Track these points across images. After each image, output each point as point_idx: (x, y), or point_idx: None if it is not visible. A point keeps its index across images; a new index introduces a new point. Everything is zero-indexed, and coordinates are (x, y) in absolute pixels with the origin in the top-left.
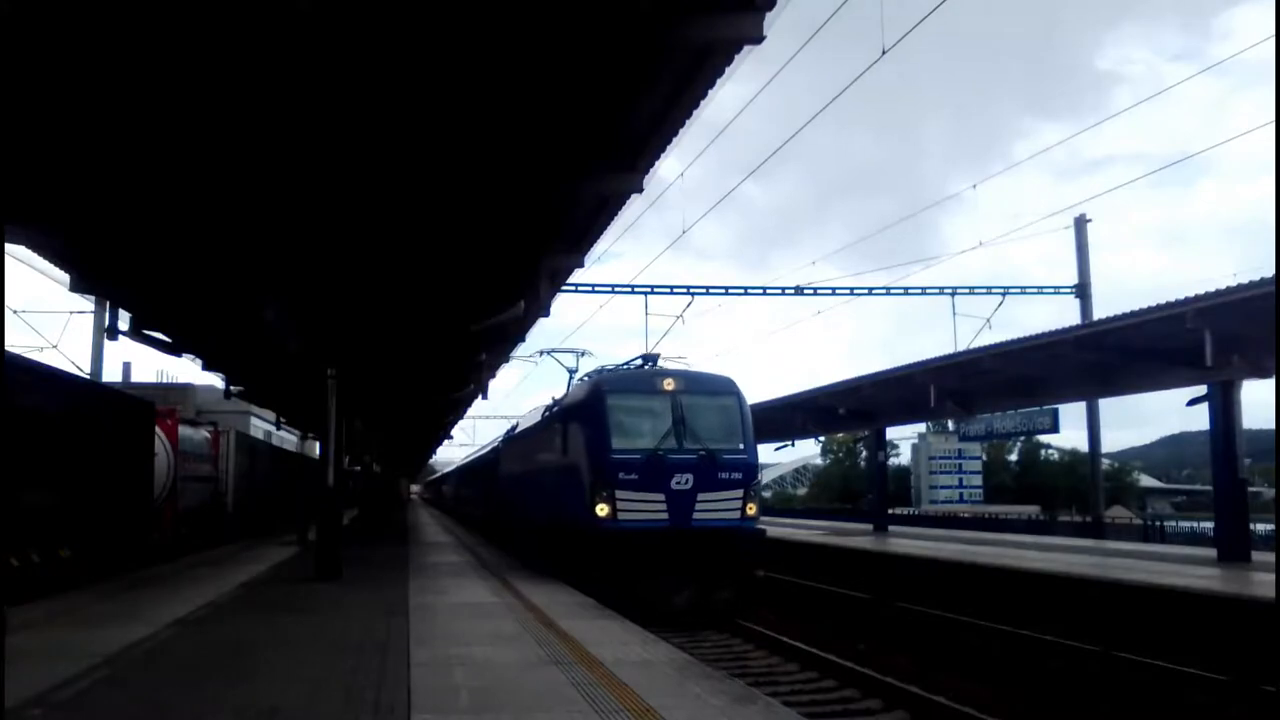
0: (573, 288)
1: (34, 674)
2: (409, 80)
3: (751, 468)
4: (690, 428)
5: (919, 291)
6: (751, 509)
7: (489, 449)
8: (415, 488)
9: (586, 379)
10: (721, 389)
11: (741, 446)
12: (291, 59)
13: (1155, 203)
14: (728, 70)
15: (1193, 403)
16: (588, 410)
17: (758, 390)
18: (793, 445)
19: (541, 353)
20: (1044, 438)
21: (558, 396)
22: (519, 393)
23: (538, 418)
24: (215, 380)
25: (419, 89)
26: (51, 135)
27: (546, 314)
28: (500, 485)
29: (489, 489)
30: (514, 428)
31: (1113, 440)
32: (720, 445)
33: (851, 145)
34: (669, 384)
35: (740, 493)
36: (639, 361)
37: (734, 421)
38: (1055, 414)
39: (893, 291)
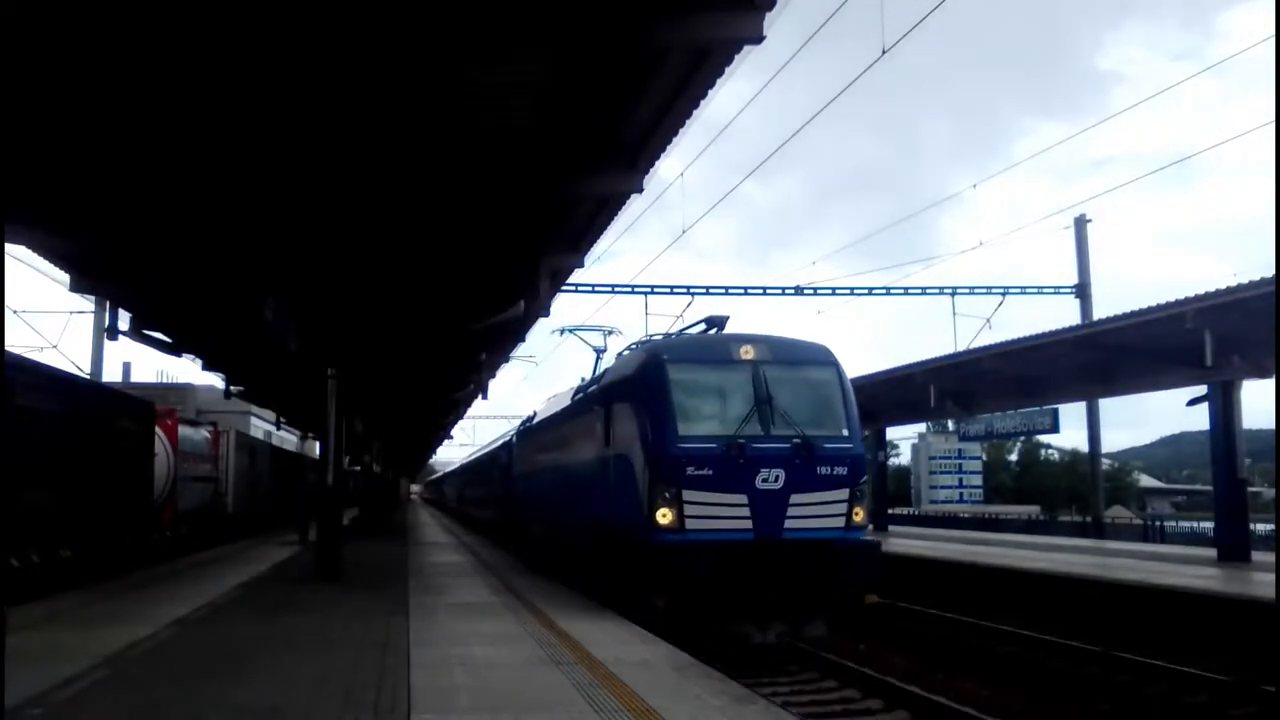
0: (573, 288)
1: (34, 674)
2: (408, 80)
3: (858, 460)
4: (779, 408)
5: (919, 291)
6: (859, 515)
7: (499, 443)
8: (415, 488)
9: (635, 349)
10: (816, 358)
11: (845, 432)
12: (292, 60)
13: (1156, 203)
14: (728, 70)
15: (1193, 403)
16: (642, 387)
17: None
18: None
19: (563, 330)
20: (1044, 438)
21: (587, 376)
22: (519, 393)
23: (565, 402)
24: (215, 380)
25: (418, 87)
26: (54, 135)
27: (546, 314)
28: (514, 485)
29: (500, 489)
30: (531, 417)
31: (1113, 440)
32: (818, 431)
33: (852, 145)
34: (748, 351)
35: (845, 493)
36: (701, 327)
37: (834, 400)
38: (1055, 414)
39: (893, 291)
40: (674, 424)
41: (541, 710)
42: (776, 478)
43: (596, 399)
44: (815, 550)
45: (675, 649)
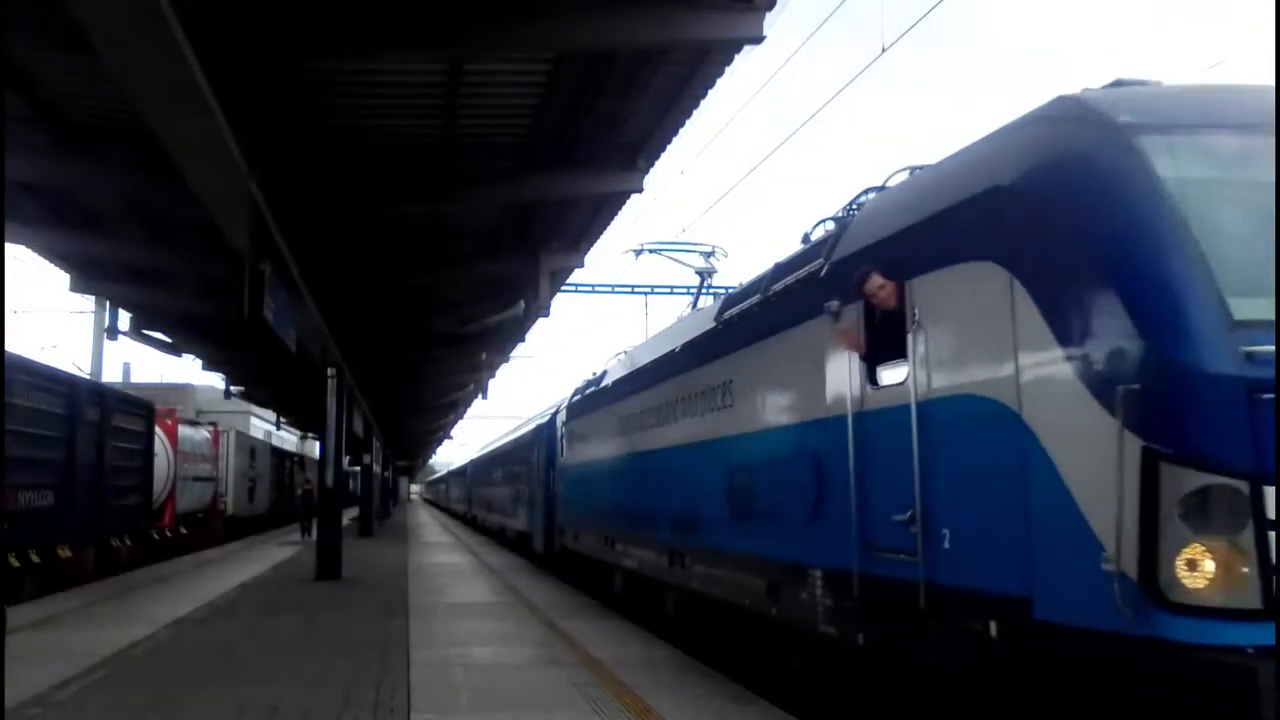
0: (573, 287)
1: (34, 674)
2: (403, 75)
3: None
4: None
5: None
6: None
7: (532, 425)
8: (416, 488)
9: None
10: None
11: None
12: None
13: None
14: (728, 70)
15: None
16: (1063, 209)
17: None
18: None
19: (640, 250)
20: None
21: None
22: (519, 392)
23: (708, 323)
24: (215, 380)
25: (413, 84)
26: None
27: (546, 314)
28: (563, 482)
29: (537, 489)
30: (597, 379)
31: None
32: None
33: (852, 143)
34: None
35: None
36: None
37: None
38: None
39: None
40: (1214, 295)
41: (541, 710)
42: None
43: (827, 281)
44: None
45: (674, 649)
